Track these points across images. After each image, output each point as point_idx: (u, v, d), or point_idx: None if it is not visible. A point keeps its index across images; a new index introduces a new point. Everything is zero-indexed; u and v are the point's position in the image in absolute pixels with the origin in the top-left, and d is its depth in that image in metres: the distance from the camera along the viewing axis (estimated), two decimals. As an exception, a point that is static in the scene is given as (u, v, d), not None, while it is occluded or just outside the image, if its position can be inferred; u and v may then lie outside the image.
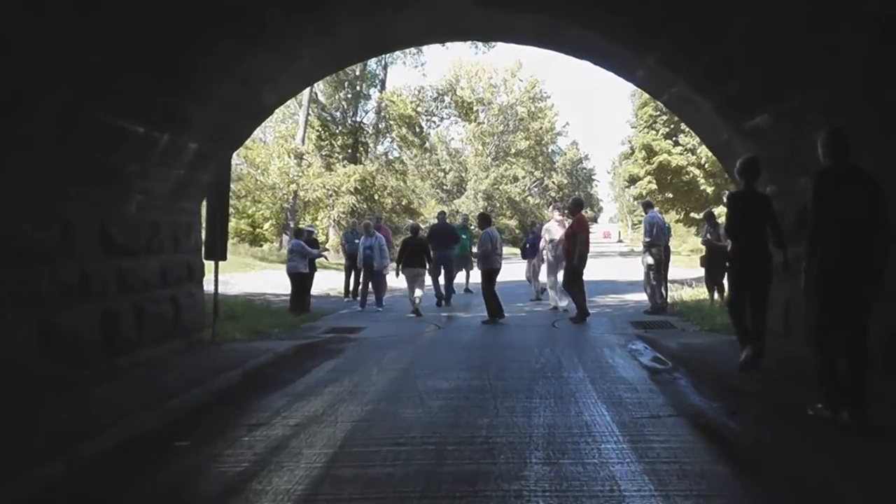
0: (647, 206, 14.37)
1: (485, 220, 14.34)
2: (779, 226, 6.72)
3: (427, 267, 14.72)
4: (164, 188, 8.38)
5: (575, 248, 12.14)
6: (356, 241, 16.02)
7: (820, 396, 5.21)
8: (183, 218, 9.11)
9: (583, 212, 13.14)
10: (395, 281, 17.87)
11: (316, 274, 15.54)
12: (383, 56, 39.46)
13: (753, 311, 6.92)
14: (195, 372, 7.58)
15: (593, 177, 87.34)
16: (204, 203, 9.98)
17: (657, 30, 7.14)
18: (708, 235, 13.47)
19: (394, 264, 15.26)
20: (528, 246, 16.91)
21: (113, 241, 7.45)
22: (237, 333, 10.89)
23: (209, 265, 9.97)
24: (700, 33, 6.78)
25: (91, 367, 6.85)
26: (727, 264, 7.59)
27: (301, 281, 14.15)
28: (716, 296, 12.97)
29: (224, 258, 10.29)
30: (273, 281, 19.47)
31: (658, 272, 13.36)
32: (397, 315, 14.35)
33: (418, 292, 14.21)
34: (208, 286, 10.08)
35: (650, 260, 13.25)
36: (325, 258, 16.10)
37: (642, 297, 14.64)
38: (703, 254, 13.70)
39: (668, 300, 13.77)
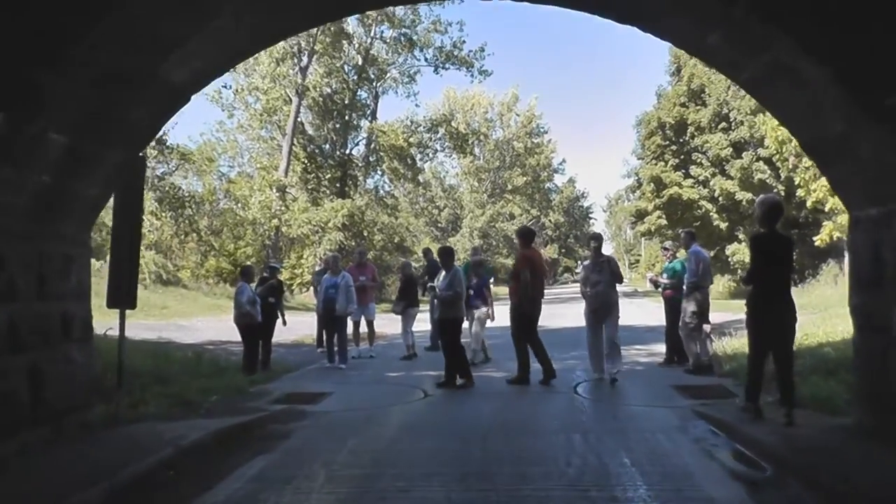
0: (690, 238, 11.09)
1: (448, 255, 10.79)
2: (790, 271, 6.98)
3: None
4: (14, 202, 5.61)
5: (523, 291, 9.72)
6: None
7: None
8: (54, 248, 6.28)
9: (534, 244, 10.80)
10: (381, 326, 15.56)
11: (285, 320, 12.62)
12: (374, 84, 37.60)
13: (779, 360, 6.63)
14: (33, 492, 4.76)
15: (590, 214, 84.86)
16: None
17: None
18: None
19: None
20: (471, 292, 11.71)
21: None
22: (153, 405, 8.07)
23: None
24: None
25: None
26: (749, 312, 6.87)
27: (254, 332, 11.27)
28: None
29: (132, 306, 7.44)
30: (243, 326, 16.71)
31: (702, 320, 10.59)
32: (374, 374, 11.49)
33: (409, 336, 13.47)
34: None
35: (694, 307, 10.45)
36: (280, 310, 12.19)
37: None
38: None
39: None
